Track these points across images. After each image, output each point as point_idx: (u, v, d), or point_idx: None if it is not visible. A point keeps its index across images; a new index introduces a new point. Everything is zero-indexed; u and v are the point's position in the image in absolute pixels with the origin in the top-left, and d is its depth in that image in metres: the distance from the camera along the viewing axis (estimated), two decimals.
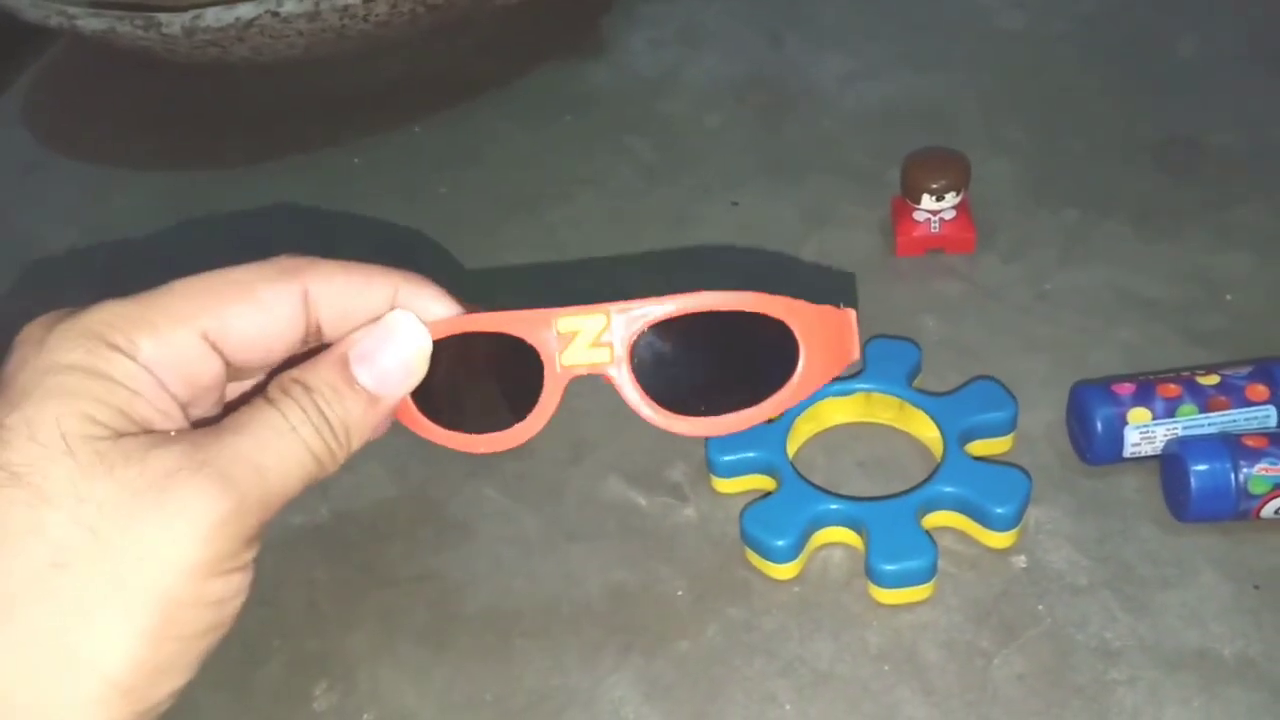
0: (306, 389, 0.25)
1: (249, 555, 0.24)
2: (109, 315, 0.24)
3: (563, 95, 0.57)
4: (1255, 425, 0.33)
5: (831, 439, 0.36)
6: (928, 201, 0.41)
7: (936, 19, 0.58)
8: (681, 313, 0.25)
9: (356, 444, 0.26)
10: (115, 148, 0.59)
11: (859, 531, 0.32)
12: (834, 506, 0.32)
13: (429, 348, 0.26)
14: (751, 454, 0.33)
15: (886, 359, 0.36)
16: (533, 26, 0.61)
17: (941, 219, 0.41)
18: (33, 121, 0.62)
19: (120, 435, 0.22)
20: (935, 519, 0.32)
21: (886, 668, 0.30)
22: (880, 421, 0.36)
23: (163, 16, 0.50)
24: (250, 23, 0.50)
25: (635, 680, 0.31)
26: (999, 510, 0.31)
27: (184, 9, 0.50)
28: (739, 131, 0.52)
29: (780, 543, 0.31)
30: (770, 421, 0.34)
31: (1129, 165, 0.47)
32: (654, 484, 0.36)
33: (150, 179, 0.56)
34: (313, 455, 0.25)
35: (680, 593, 0.33)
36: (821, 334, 0.26)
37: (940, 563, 0.31)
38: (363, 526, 0.37)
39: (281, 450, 0.24)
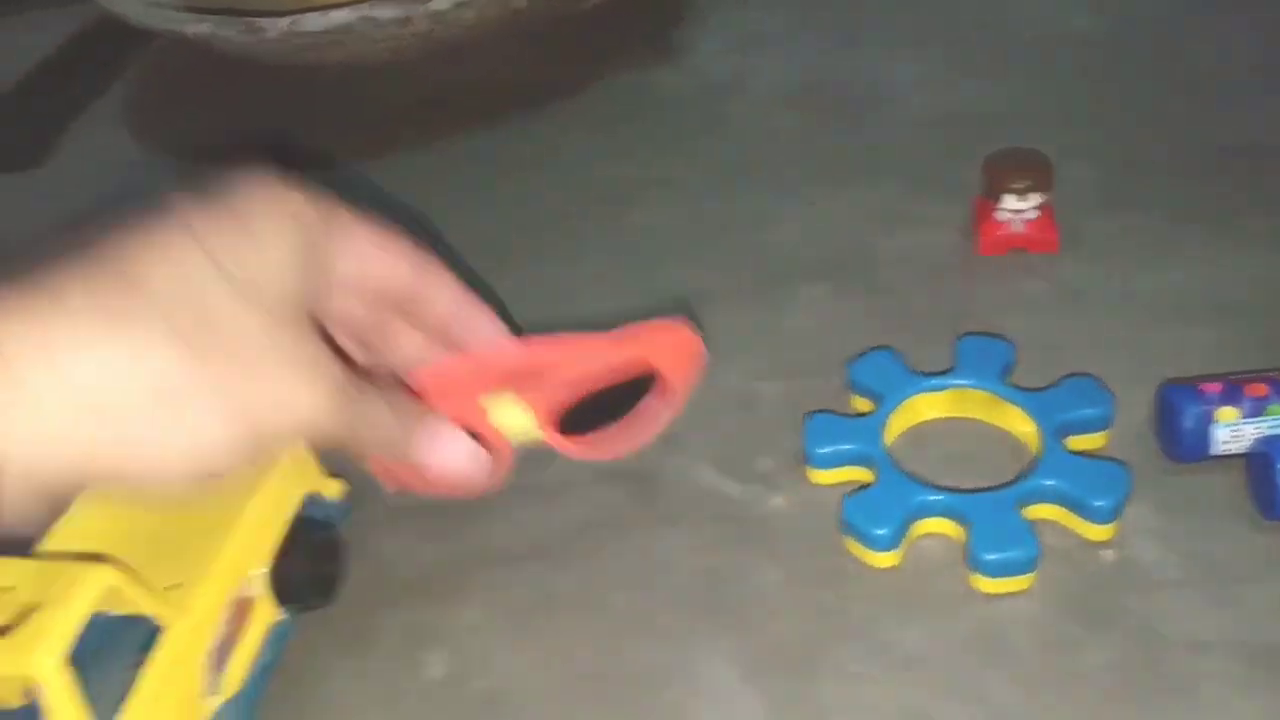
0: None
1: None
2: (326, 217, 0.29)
3: (636, 100, 0.58)
4: None
5: (921, 434, 0.37)
6: (1011, 201, 0.42)
7: (1006, 24, 0.59)
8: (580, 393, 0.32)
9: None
10: (211, 147, 0.62)
11: (959, 523, 0.33)
12: (935, 498, 0.33)
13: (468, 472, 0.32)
14: (850, 446, 0.34)
15: (979, 355, 0.37)
16: (605, 33, 0.63)
17: (1024, 219, 0.42)
18: (132, 121, 0.65)
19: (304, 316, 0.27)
20: (1034, 511, 0.33)
21: (977, 654, 0.31)
22: (971, 417, 0.37)
23: (264, 21, 0.52)
24: (346, 28, 0.52)
25: (731, 659, 0.32)
26: (1100, 503, 0.32)
27: (282, 14, 0.52)
28: (812, 134, 0.53)
29: (881, 531, 0.32)
30: (864, 415, 0.35)
31: (1208, 169, 0.47)
32: (744, 473, 0.37)
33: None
34: (389, 433, 0.29)
35: (773, 577, 0.34)
36: (672, 352, 0.33)
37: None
38: (465, 508, 0.38)
39: (379, 412, 0.29)
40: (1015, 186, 0.41)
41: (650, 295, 0.46)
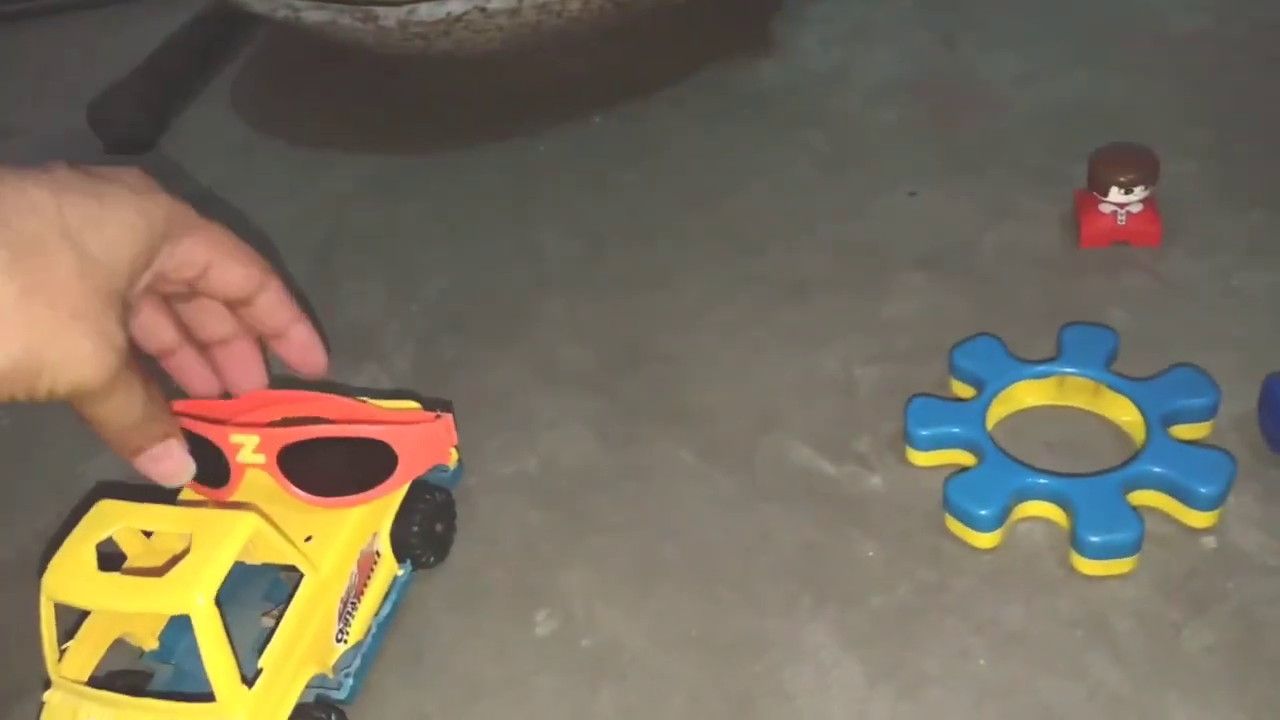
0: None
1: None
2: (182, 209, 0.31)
3: (736, 92, 0.59)
4: None
5: (1022, 421, 0.38)
6: (1115, 194, 0.42)
7: (1110, 21, 0.59)
8: (307, 436, 0.33)
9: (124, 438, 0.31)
10: (319, 132, 0.64)
11: (1062, 506, 0.33)
12: (1041, 481, 0.33)
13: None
14: (953, 429, 0.35)
15: (1083, 343, 0.37)
16: (706, 26, 0.64)
17: (1128, 212, 0.42)
18: (242, 106, 0.68)
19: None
20: (1137, 498, 0.33)
21: (1079, 633, 0.32)
22: (1073, 405, 0.37)
23: (380, 10, 0.55)
24: (459, 18, 0.54)
25: (832, 629, 0.33)
26: (1204, 490, 0.32)
27: (398, 3, 0.55)
28: (913, 127, 0.53)
29: (984, 511, 0.33)
30: (966, 400, 0.36)
31: None
32: (841, 454, 0.38)
33: (354, 162, 0.61)
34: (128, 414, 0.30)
35: (871, 554, 0.35)
36: (414, 443, 0.34)
37: None
38: (571, 478, 0.40)
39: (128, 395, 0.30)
40: (1120, 180, 0.42)
41: (750, 281, 0.47)
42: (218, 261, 0.32)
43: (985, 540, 0.34)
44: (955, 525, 0.34)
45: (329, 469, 0.33)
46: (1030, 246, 0.45)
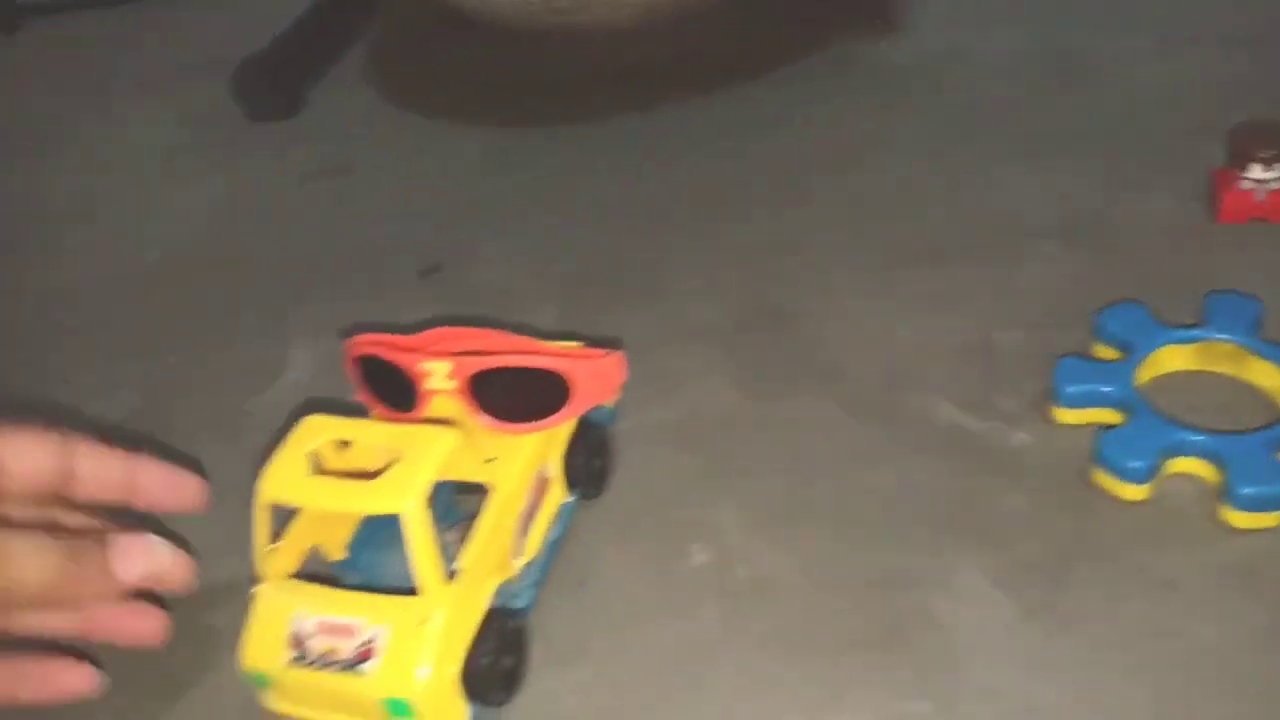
0: (70, 536, 0.31)
1: None
2: None
3: (859, 68, 0.61)
4: None
5: (1166, 385, 0.39)
6: (1255, 170, 0.43)
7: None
8: (494, 365, 0.35)
9: (85, 597, 0.31)
10: (449, 103, 0.67)
11: (1212, 462, 0.34)
12: (1193, 437, 0.34)
13: (164, 568, 0.33)
14: (1106, 388, 0.36)
15: (1227, 310, 0.38)
16: (825, 3, 0.65)
17: (1267, 189, 0.43)
18: (375, 78, 0.71)
19: None
20: None
21: (1231, 581, 0.33)
22: (1218, 371, 0.38)
23: None
24: None
25: (982, 569, 0.35)
26: None
27: None
28: (1037, 102, 0.54)
29: (1137, 464, 0.34)
30: (1116, 361, 0.37)
31: None
32: (984, 411, 0.40)
33: (483, 132, 0.63)
34: (48, 575, 0.29)
35: (1019, 504, 0.36)
36: (587, 377, 0.36)
37: None
38: (714, 426, 0.42)
39: (28, 553, 0.29)
40: (1262, 156, 0.42)
41: (881, 248, 0.48)
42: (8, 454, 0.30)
43: (1135, 493, 0.35)
44: (1104, 479, 0.35)
45: (510, 397, 0.35)
46: (1164, 220, 0.46)
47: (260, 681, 0.32)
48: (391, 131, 0.66)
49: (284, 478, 0.32)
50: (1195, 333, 0.38)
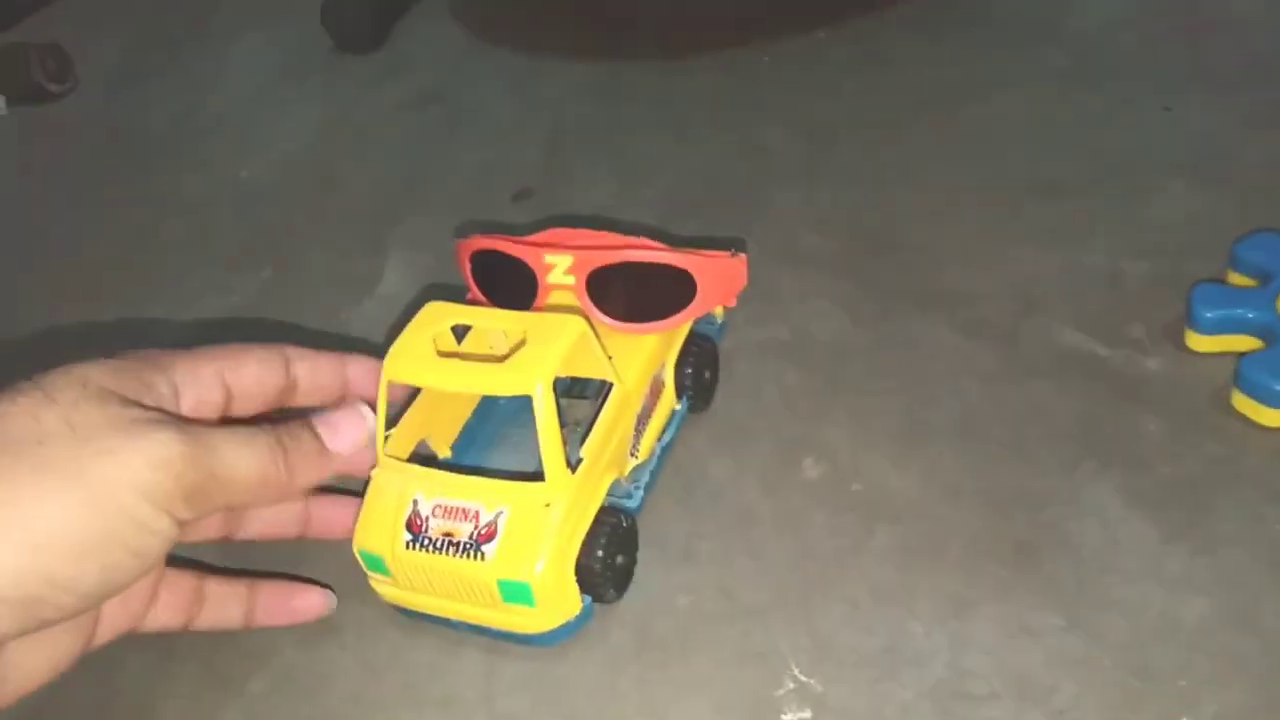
0: (275, 425, 0.30)
1: (181, 513, 0.27)
2: (158, 352, 0.30)
3: (963, 12, 0.59)
4: None
5: None
6: None
7: None
8: (618, 260, 0.34)
9: (300, 481, 0.30)
10: (535, 40, 0.66)
11: None
12: None
13: (374, 432, 0.32)
14: (1247, 313, 0.35)
15: None
16: None
17: None
18: (461, 14, 0.71)
19: (128, 400, 0.28)
20: None
21: None
22: None
23: None
24: None
25: (1116, 490, 0.33)
26: None
27: None
28: (1159, 45, 0.52)
29: None
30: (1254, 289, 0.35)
31: None
32: (1113, 338, 0.38)
33: (571, 69, 0.62)
34: (259, 465, 0.29)
35: (1154, 428, 0.35)
36: (713, 276, 0.35)
37: None
38: (825, 347, 0.40)
39: (237, 446, 0.29)
40: None
41: (996, 182, 0.46)
42: (230, 368, 0.31)
43: (1278, 418, 0.33)
44: (1244, 404, 0.34)
45: (630, 296, 0.34)
46: None
47: (373, 564, 0.32)
48: (477, 67, 0.65)
49: (409, 358, 0.31)
50: None
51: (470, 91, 0.63)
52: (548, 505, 0.30)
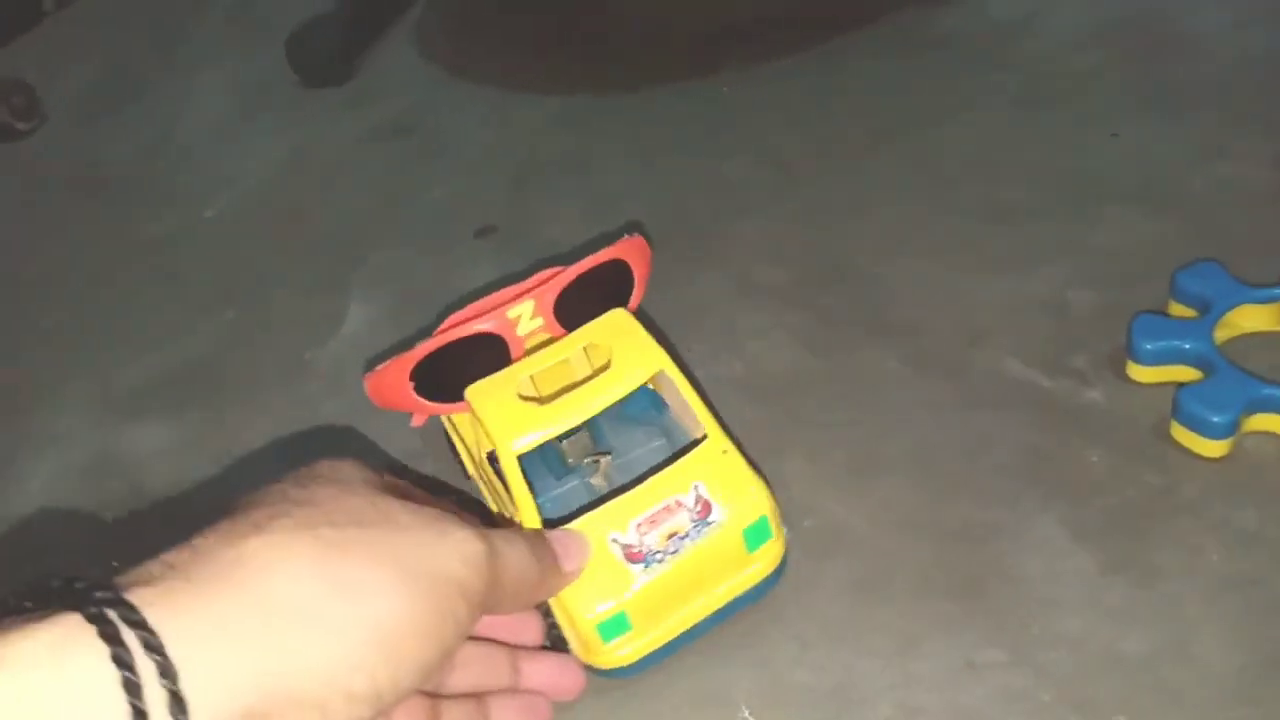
0: (521, 533, 0.30)
1: (474, 613, 0.27)
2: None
3: (922, 36, 0.60)
4: None
5: (1244, 345, 0.38)
6: None
7: None
8: (571, 278, 0.35)
9: (544, 592, 0.30)
10: (505, 71, 0.67)
11: None
12: (1278, 394, 0.33)
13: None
14: (1184, 344, 0.36)
15: None
16: None
17: None
18: (429, 45, 0.71)
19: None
20: None
21: None
22: None
23: None
24: None
25: (1060, 523, 0.34)
26: None
27: None
28: (1111, 70, 0.53)
29: (1219, 419, 0.33)
30: (1193, 319, 0.36)
31: None
32: (1057, 368, 0.39)
33: (542, 100, 0.63)
34: (528, 576, 0.29)
35: (1095, 459, 0.36)
36: (636, 257, 0.37)
37: None
38: (779, 381, 0.41)
39: (517, 555, 0.29)
40: None
41: (949, 210, 0.47)
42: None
43: (1215, 449, 0.34)
44: (1183, 435, 0.35)
45: (589, 302, 0.35)
46: (1245, 187, 0.45)
47: (615, 626, 0.31)
48: (447, 98, 0.66)
49: (513, 425, 0.31)
50: (1275, 291, 0.37)
51: (437, 124, 0.64)
52: (725, 452, 0.32)
